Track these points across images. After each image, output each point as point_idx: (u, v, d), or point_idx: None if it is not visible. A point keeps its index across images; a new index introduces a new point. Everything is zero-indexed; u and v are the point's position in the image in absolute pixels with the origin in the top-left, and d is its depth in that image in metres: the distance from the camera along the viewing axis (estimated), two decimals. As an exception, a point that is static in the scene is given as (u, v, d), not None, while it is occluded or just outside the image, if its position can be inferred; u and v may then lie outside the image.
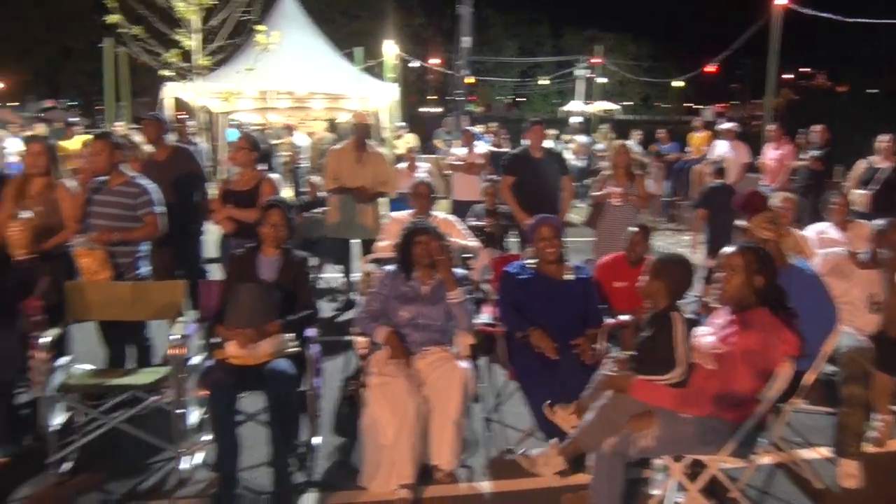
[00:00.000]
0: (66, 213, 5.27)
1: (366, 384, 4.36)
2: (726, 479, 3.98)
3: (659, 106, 60.88)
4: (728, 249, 3.85)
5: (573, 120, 19.37)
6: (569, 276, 4.95)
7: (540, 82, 53.35)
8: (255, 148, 6.07)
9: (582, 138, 17.54)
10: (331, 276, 8.88)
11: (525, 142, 7.83)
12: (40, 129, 14.44)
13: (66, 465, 4.46)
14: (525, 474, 4.41)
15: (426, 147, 17.47)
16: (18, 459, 4.60)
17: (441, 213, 6.47)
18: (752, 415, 3.65)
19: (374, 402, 4.22)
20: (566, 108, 35.37)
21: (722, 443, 3.62)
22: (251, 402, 4.76)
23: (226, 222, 5.92)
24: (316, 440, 4.62)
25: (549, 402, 4.37)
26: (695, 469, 3.87)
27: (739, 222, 4.99)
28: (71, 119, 15.90)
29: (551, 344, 4.59)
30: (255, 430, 4.71)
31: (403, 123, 16.97)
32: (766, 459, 4.49)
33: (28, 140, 5.56)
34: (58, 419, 4.43)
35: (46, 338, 4.42)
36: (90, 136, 11.94)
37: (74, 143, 12.52)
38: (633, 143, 12.41)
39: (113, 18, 14.04)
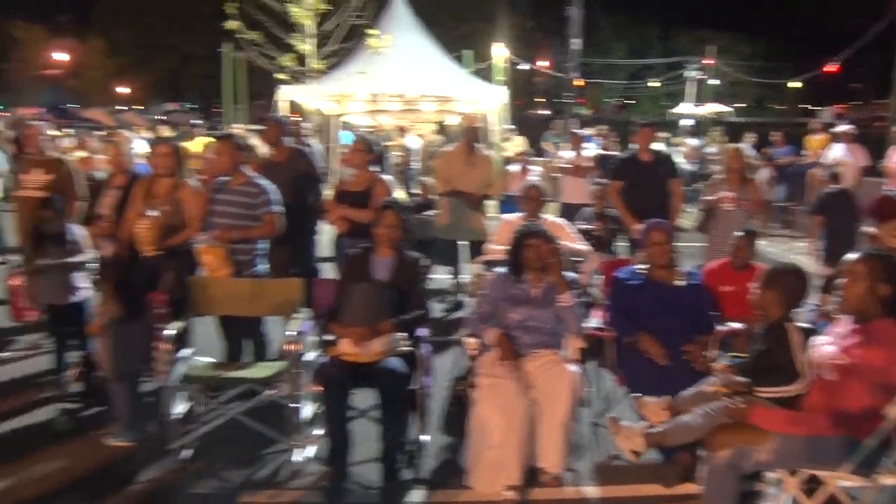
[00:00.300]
0: (191, 212, 5.50)
1: (475, 384, 4.39)
2: (847, 498, 3.82)
3: (773, 108, 58.74)
4: (851, 256, 3.70)
5: (684, 123, 18.96)
6: (680, 282, 4.87)
7: (649, 84, 52.28)
8: (370, 150, 6.20)
9: (693, 141, 17.16)
10: (441, 277, 8.98)
11: (634, 145, 7.72)
12: (164, 131, 15.14)
13: (186, 453, 4.66)
14: (632, 480, 4.36)
15: (535, 150, 17.41)
16: (142, 445, 4.84)
17: (551, 216, 6.45)
18: (875, 431, 3.50)
19: (483, 403, 4.24)
20: (676, 110, 34.62)
21: (837, 459, 3.48)
22: (363, 398, 4.86)
23: (340, 222, 6.04)
24: (424, 438, 4.68)
25: (640, 394, 4.32)
26: (812, 485, 3.74)
27: (867, 228, 4.79)
28: (193, 121, 16.58)
29: (661, 350, 4.52)
30: (365, 427, 4.80)
31: (512, 126, 16.96)
32: (891, 480, 4.28)
33: (155, 142, 5.82)
34: (179, 408, 4.65)
35: (171, 330, 4.64)
36: (211, 138, 12.48)
37: (196, 145, 13.06)
38: (746, 146, 12.05)
39: (232, 25, 14.57)
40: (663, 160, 7.72)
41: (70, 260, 5.47)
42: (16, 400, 5.61)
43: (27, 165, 6.84)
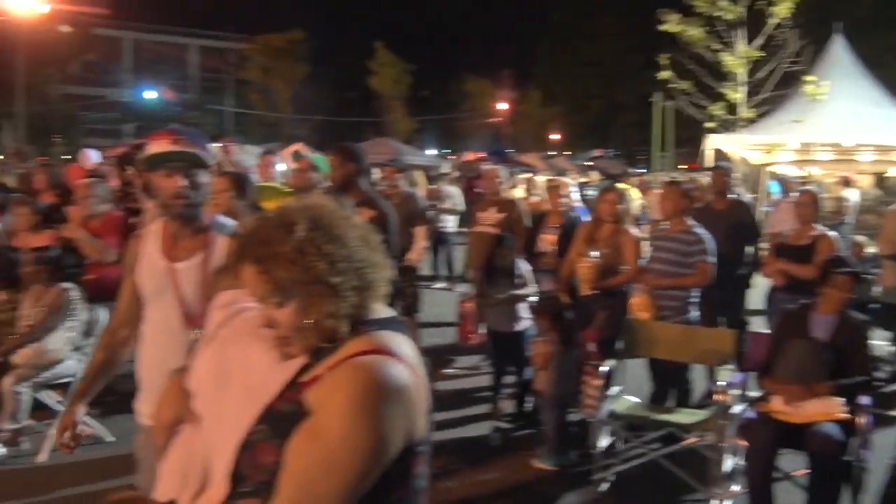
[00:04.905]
0: (629, 257, 5.75)
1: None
2: None
3: None
4: None
5: None
6: None
7: None
8: (817, 205, 5.94)
9: None
10: (877, 343, 8.22)
11: None
12: (594, 176, 15.93)
13: (605, 486, 4.86)
14: None
15: None
16: (564, 471, 5.13)
17: None
18: None
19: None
20: None
21: None
22: (790, 460, 4.65)
23: (777, 275, 5.88)
24: (859, 515, 4.33)
25: None
26: None
27: None
28: (629, 170, 17.27)
29: None
30: (790, 492, 4.55)
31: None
32: None
33: (603, 189, 6.17)
34: (603, 442, 4.86)
35: (603, 367, 4.89)
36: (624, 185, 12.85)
37: (635, 192, 13.61)
38: None
39: (664, 75, 14.90)
40: None
41: (517, 292, 6.03)
42: (455, 413, 6.25)
43: (484, 204, 7.54)
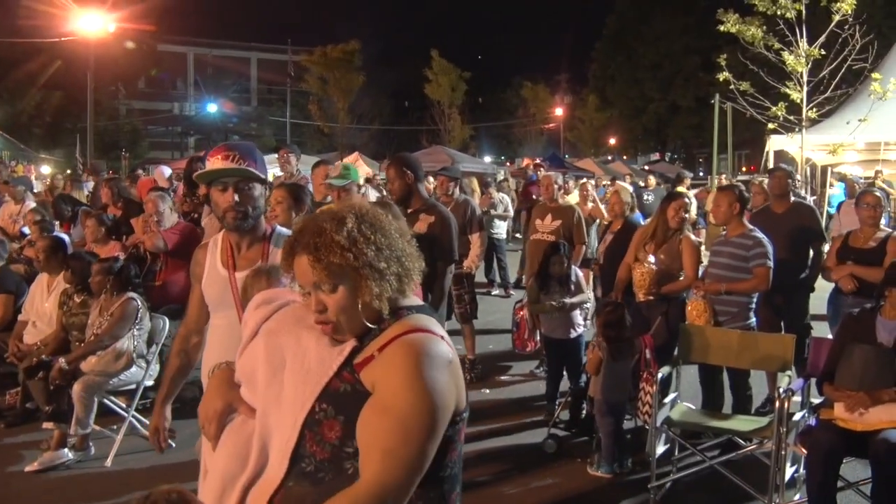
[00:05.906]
0: (686, 263, 5.68)
1: None
2: None
3: None
4: None
5: None
6: None
7: None
8: (881, 206, 5.77)
9: None
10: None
11: None
12: (651, 180, 15.75)
13: (661, 494, 4.78)
14: None
15: None
16: (619, 478, 5.08)
17: None
18: None
19: None
20: None
21: None
22: (853, 468, 4.54)
23: (847, 280, 5.72)
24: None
25: None
26: None
27: None
28: (684, 172, 17.03)
29: None
30: (852, 500, 4.47)
31: None
32: None
33: (672, 197, 6.08)
34: (659, 449, 4.81)
35: (658, 374, 4.84)
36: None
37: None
38: None
39: (723, 76, 14.64)
40: None
41: (572, 300, 6.02)
42: (509, 420, 6.21)
43: (541, 211, 7.50)
